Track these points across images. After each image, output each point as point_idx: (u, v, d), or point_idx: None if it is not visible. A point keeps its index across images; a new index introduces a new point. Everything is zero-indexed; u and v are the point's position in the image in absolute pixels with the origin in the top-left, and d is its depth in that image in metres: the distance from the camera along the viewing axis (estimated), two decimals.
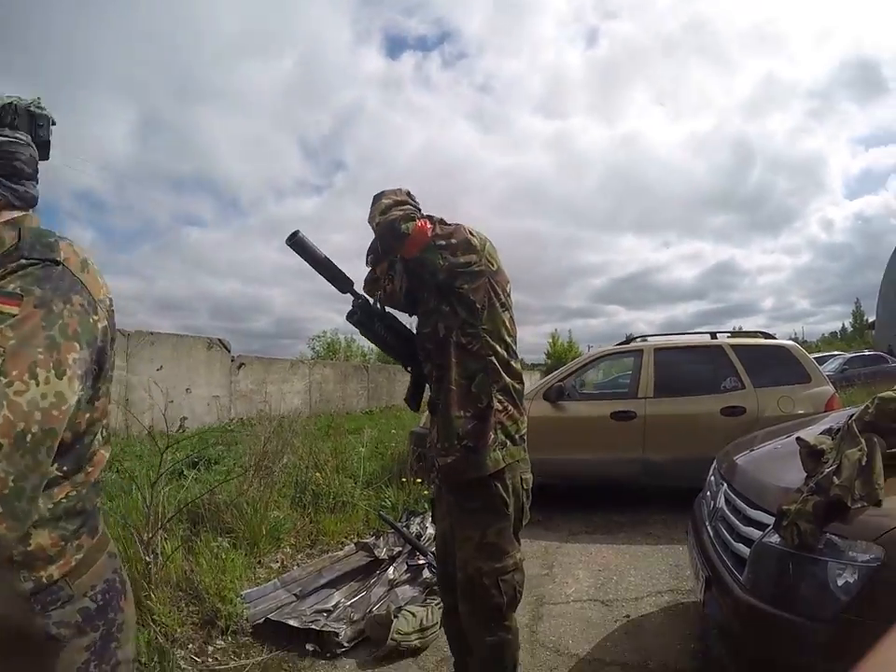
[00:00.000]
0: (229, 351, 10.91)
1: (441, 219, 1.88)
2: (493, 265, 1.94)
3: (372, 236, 1.97)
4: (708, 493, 2.65)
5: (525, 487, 1.97)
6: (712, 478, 2.70)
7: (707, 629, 2.50)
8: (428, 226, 1.80)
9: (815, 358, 5.89)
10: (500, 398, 1.91)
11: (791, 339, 7.10)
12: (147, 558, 2.83)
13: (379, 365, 18.00)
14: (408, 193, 1.93)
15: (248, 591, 3.15)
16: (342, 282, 1.91)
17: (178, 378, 9.42)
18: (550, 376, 5.87)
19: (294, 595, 3.24)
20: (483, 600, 1.89)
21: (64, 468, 0.86)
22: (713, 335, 5.65)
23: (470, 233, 1.89)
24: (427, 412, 2.09)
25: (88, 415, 0.89)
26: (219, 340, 10.58)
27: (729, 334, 5.98)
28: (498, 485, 1.88)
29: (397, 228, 1.77)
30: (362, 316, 1.97)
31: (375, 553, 3.80)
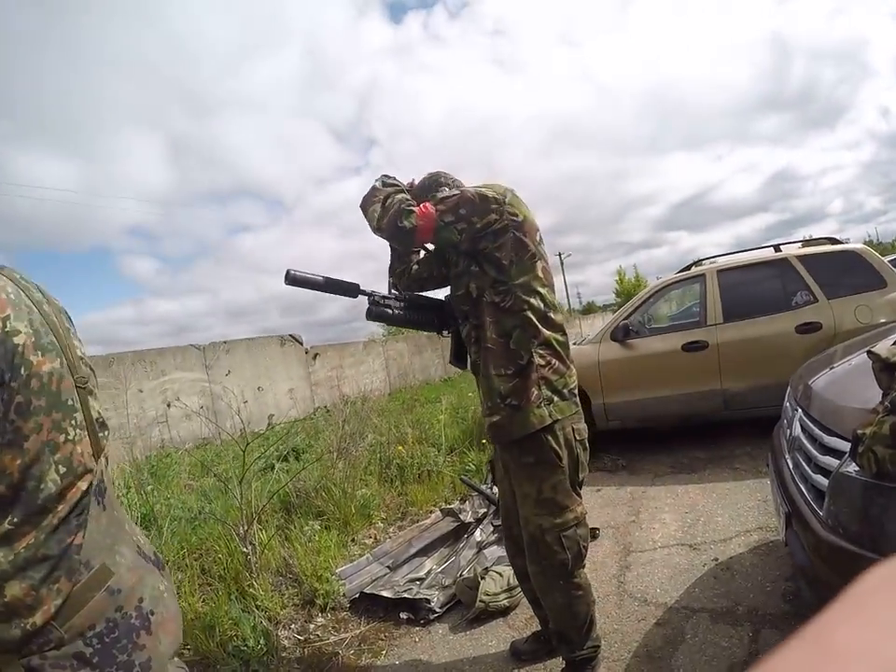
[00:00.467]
0: (301, 344, 11.26)
1: (445, 183, 1.98)
2: (517, 216, 1.88)
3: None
4: (785, 420, 2.50)
5: (578, 438, 1.94)
6: (787, 404, 2.54)
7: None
8: (430, 209, 1.79)
9: (890, 261, 5.40)
10: (541, 352, 1.88)
11: (865, 242, 6.48)
12: (244, 549, 3.02)
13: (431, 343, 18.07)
14: (384, 181, 1.93)
15: (343, 568, 3.32)
16: (348, 290, 1.96)
17: (259, 379, 9.91)
18: (614, 315, 5.70)
19: (387, 567, 3.38)
20: (548, 558, 1.90)
21: (15, 519, 0.80)
22: (777, 248, 5.26)
23: (485, 188, 1.86)
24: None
25: (18, 461, 0.81)
26: (291, 335, 10.97)
27: (798, 245, 5.56)
28: (549, 438, 1.86)
29: (401, 227, 1.78)
30: (378, 310, 2.00)
31: (461, 517, 3.89)
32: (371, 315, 1.99)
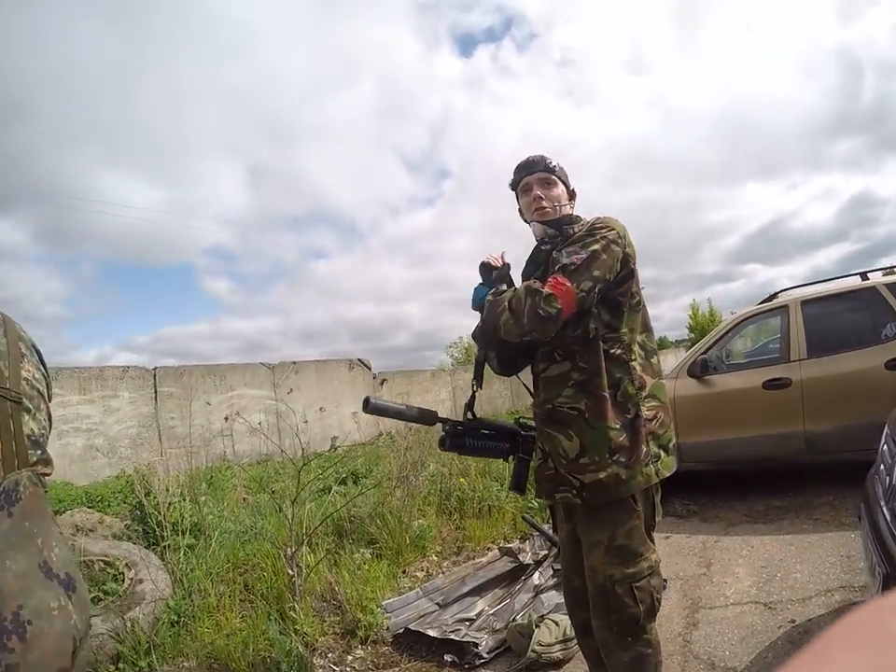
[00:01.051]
0: (370, 369, 11.30)
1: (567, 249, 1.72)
2: (632, 257, 1.75)
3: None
4: (882, 466, 2.17)
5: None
6: (885, 447, 2.21)
7: None
8: (565, 283, 1.60)
9: None
10: (649, 404, 1.72)
11: None
12: (290, 571, 2.93)
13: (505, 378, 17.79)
14: (492, 292, 1.83)
15: (390, 600, 3.16)
16: (426, 418, 1.85)
17: (325, 401, 10.01)
18: (692, 350, 5.33)
19: (436, 604, 3.19)
20: (618, 612, 1.68)
21: None
22: (864, 276, 4.78)
23: (605, 229, 1.70)
24: (540, 415, 1.84)
25: None
26: (359, 360, 11.03)
27: (883, 272, 5.03)
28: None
29: (546, 315, 1.58)
30: (454, 440, 1.84)
31: (520, 557, 3.66)
32: (446, 446, 1.84)
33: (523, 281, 1.83)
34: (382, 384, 11.34)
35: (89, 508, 4.49)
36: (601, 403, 1.66)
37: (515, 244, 2.04)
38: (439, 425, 1.87)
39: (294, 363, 9.85)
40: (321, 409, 9.53)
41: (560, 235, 1.80)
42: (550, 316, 1.56)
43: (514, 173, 1.90)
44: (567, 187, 1.88)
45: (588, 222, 1.79)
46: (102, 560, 3.16)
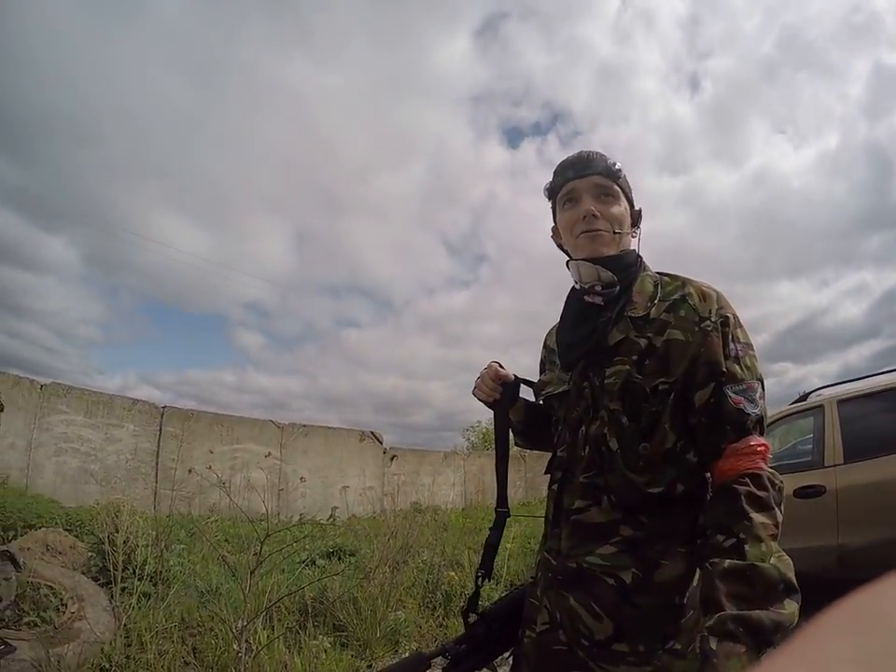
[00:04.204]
0: (381, 443, 11.09)
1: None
2: None
3: None
4: None
5: None
6: None
7: None
8: (763, 443, 1.10)
9: None
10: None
11: None
12: (235, 647, 2.65)
13: (537, 454, 17.27)
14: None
15: None
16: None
17: (331, 469, 9.79)
18: None
19: None
20: None
21: None
22: None
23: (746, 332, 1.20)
24: (557, 569, 1.22)
25: None
26: (371, 432, 10.86)
27: None
28: None
29: (782, 497, 1.08)
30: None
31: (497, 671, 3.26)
32: None
33: (564, 354, 1.28)
34: (392, 459, 11.05)
35: (67, 530, 4.31)
36: (658, 574, 1.12)
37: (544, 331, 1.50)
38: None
39: (304, 426, 9.75)
40: (325, 476, 9.26)
41: (618, 286, 1.20)
42: (781, 491, 1.08)
43: (556, 173, 1.28)
44: (631, 206, 1.26)
45: (685, 285, 1.18)
46: (49, 585, 2.94)
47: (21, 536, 3.93)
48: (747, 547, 0.94)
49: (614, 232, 1.20)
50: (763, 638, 0.85)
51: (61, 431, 6.79)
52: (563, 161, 1.27)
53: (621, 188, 1.23)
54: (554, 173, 1.29)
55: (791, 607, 0.90)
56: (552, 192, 1.30)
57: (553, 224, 1.32)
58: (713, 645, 0.86)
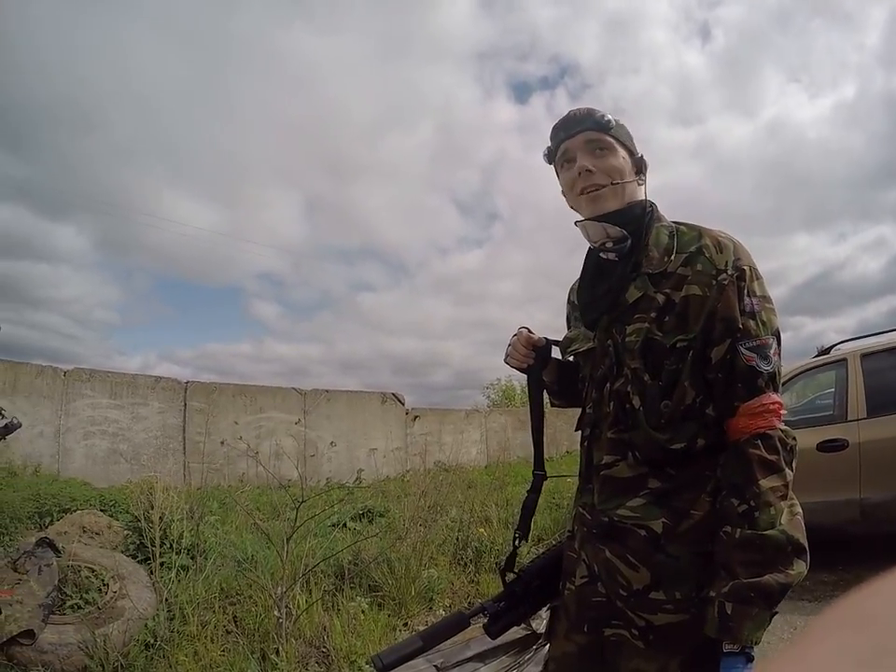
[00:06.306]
0: (403, 404, 11.16)
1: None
2: None
3: None
4: None
5: None
6: None
7: None
8: (777, 401, 1.11)
9: None
10: None
11: None
12: (276, 613, 2.71)
13: (557, 409, 17.35)
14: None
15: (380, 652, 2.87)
16: (453, 628, 1.28)
17: (354, 432, 9.91)
18: None
19: (434, 666, 2.89)
20: None
21: None
22: None
23: (765, 283, 1.19)
24: (591, 524, 1.26)
25: None
26: (393, 394, 10.93)
27: None
28: None
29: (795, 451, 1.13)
30: (501, 626, 1.33)
31: (533, 625, 3.32)
32: (493, 634, 1.32)
33: (585, 313, 1.29)
34: (414, 420, 11.16)
35: (101, 511, 4.41)
36: (696, 525, 1.14)
37: (564, 289, 1.53)
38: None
39: (327, 391, 9.82)
40: (349, 440, 9.38)
41: (630, 239, 1.20)
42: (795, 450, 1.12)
43: (550, 138, 1.29)
44: (632, 154, 1.24)
45: (701, 236, 1.17)
46: (89, 567, 3.01)
47: (58, 520, 4.02)
48: (757, 514, 1.01)
49: (613, 183, 1.19)
50: (774, 599, 0.97)
51: (87, 415, 6.91)
52: (555, 125, 1.27)
53: (615, 138, 1.21)
54: (550, 137, 1.29)
55: (798, 566, 1.00)
56: (550, 157, 1.31)
57: (562, 190, 1.31)
58: (729, 610, 0.97)
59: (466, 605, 3.89)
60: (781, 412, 1.09)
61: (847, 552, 4.17)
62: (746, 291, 1.11)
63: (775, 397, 1.09)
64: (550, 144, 1.29)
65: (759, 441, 1.05)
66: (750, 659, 0.98)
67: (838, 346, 4.82)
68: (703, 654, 1.09)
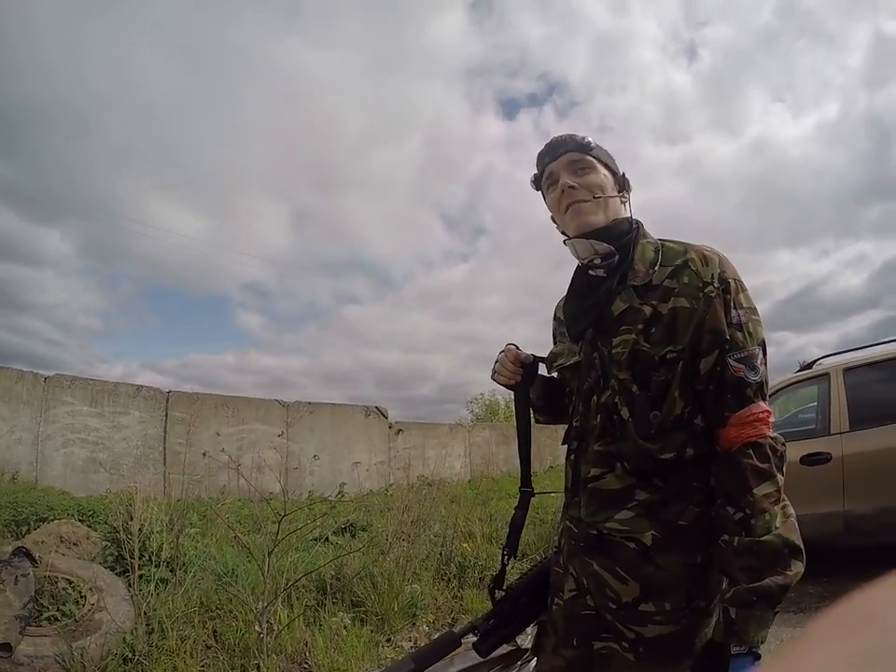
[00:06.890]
0: (386, 418, 11.13)
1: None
2: None
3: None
4: None
5: None
6: None
7: None
8: (766, 409, 1.15)
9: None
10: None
11: None
12: (257, 628, 2.67)
13: (539, 426, 17.37)
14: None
15: None
16: (446, 647, 1.32)
17: (338, 445, 9.85)
18: None
19: None
20: None
21: None
22: None
23: (749, 295, 1.21)
24: (578, 537, 1.26)
25: None
26: (376, 407, 10.90)
27: None
28: None
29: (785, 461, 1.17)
30: (491, 644, 1.36)
31: (518, 640, 3.30)
32: (484, 653, 1.37)
33: (572, 326, 1.31)
34: (398, 433, 11.13)
35: (80, 521, 4.33)
36: (680, 535, 1.16)
37: (549, 304, 1.55)
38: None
39: (310, 404, 9.78)
40: (332, 453, 9.33)
41: (617, 255, 1.22)
42: (784, 457, 1.16)
43: (536, 164, 1.34)
44: (613, 173, 1.28)
45: (686, 250, 1.19)
46: (67, 578, 2.95)
47: (35, 529, 3.94)
48: (753, 521, 1.05)
49: (595, 197, 1.23)
50: (775, 599, 1.02)
51: (67, 422, 6.79)
52: (539, 152, 1.32)
53: (596, 157, 1.26)
54: (536, 164, 1.34)
55: (795, 567, 1.05)
56: (537, 183, 1.37)
57: (551, 216, 1.36)
58: (733, 615, 1.02)
59: (449, 620, 3.87)
60: (770, 420, 1.13)
61: (831, 563, 4.22)
62: (732, 303, 1.14)
63: (763, 405, 1.13)
64: (536, 171, 1.35)
65: (750, 451, 1.09)
66: (757, 657, 1.02)
67: (820, 361, 4.91)
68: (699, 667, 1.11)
